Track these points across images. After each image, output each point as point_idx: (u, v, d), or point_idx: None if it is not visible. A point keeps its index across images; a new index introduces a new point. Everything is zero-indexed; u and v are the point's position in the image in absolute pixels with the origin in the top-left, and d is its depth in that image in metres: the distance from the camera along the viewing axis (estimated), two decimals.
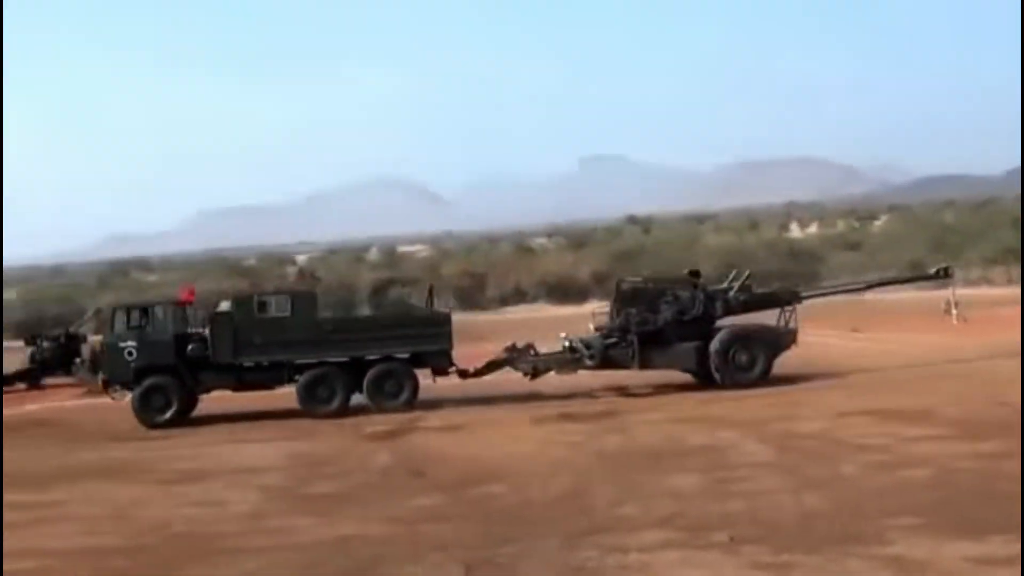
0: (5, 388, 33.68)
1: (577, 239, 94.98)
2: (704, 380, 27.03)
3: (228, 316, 26.86)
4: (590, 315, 28.84)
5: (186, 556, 11.88)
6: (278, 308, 26.96)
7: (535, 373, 27.59)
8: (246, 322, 26.46)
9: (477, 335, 33.48)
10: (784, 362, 26.78)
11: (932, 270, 32.16)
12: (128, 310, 27.86)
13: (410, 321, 28.45)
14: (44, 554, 12.35)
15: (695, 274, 29.18)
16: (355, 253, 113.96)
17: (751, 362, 26.88)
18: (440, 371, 27.28)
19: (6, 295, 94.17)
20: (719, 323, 27.73)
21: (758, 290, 29.59)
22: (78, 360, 35.12)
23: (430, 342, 26.91)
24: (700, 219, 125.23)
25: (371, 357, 26.36)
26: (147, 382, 26.44)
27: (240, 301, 27.65)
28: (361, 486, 16.04)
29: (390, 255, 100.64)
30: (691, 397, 24.65)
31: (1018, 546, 10.45)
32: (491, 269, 69.22)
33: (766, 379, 26.56)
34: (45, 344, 36.87)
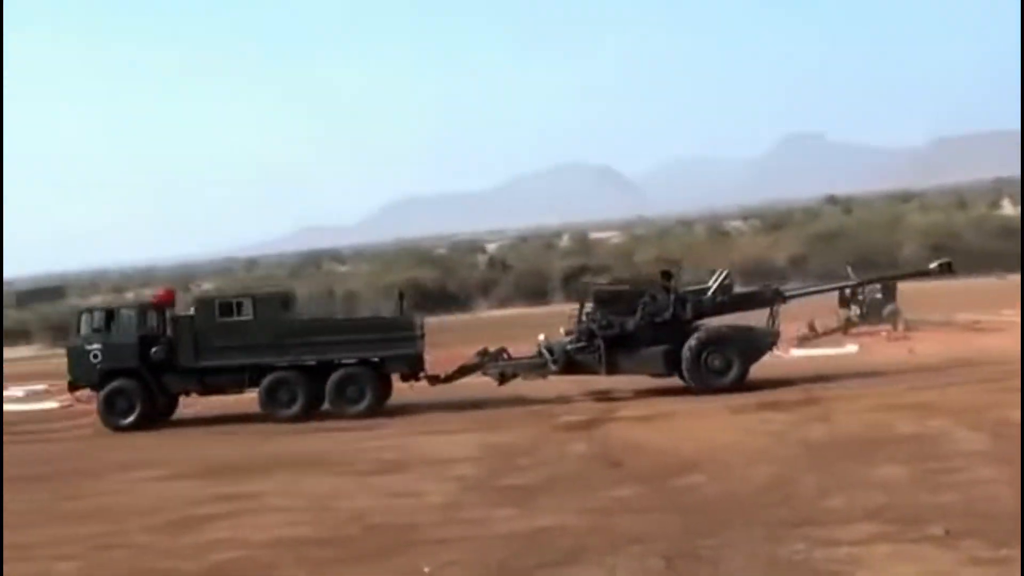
0: None
1: (774, 221, 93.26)
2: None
3: (189, 319, 27.03)
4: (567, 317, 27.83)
5: (385, 547, 12.07)
6: (240, 311, 26.93)
7: (503, 378, 27.33)
8: (207, 325, 26.55)
9: None
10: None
11: (933, 265, 30.22)
12: (94, 313, 28.13)
13: (374, 326, 28.23)
14: (246, 545, 12.68)
15: (667, 275, 28.51)
16: (546, 240, 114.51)
17: (725, 366, 26.07)
18: (408, 376, 27.11)
19: (204, 286, 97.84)
20: (707, 324, 26.85)
21: (740, 290, 29.11)
22: None
23: (394, 347, 26.65)
24: (904, 198, 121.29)
25: (333, 361, 26.25)
26: (110, 385, 26.78)
27: (202, 303, 27.73)
28: (557, 477, 16.02)
29: (582, 242, 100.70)
30: (900, 383, 23.87)
31: None
32: (685, 254, 68.56)
33: (741, 384, 25.68)
34: None
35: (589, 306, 27.38)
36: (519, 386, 26.43)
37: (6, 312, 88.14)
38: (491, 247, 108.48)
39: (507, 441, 20.02)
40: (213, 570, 11.52)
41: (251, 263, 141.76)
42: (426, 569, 10.99)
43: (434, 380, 27.30)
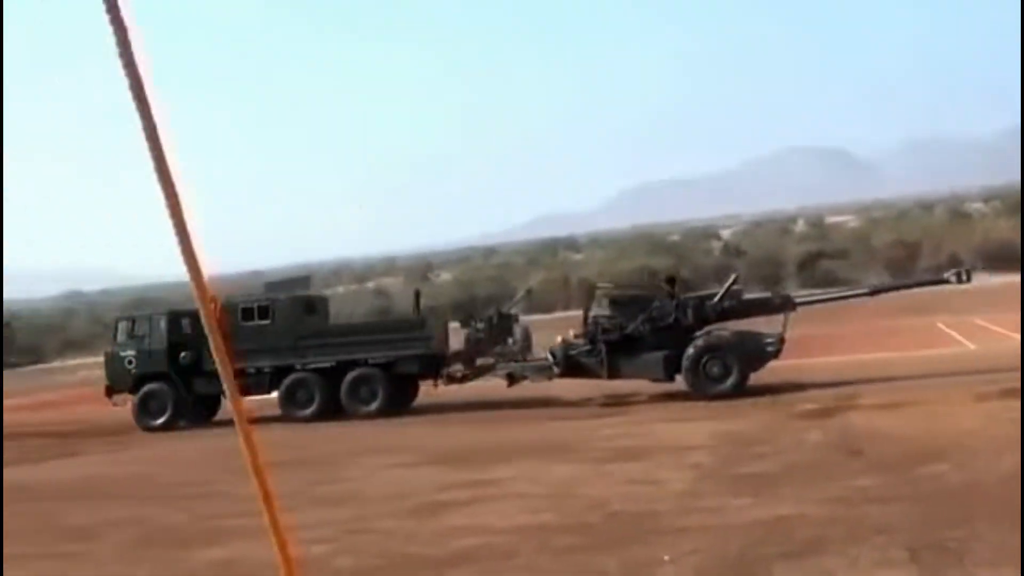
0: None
1: (1018, 203, 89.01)
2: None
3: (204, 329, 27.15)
4: None
5: (625, 535, 12.11)
6: (261, 316, 28.17)
7: (511, 379, 27.90)
8: (230, 330, 26.18)
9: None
10: None
11: (948, 274, 28.63)
12: (130, 320, 29.85)
13: (385, 328, 29.54)
14: (487, 531, 12.92)
15: (671, 281, 28.73)
16: (781, 225, 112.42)
17: (724, 372, 25.86)
18: (425, 376, 28.10)
19: (442, 277, 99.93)
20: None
21: (748, 297, 28.71)
22: (510, 340, 36.73)
23: (405, 347, 27.62)
24: None
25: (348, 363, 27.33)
26: (144, 389, 28.56)
27: (227, 308, 27.68)
28: (795, 465, 15.74)
29: (817, 226, 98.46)
30: None
31: None
32: (924, 238, 66.10)
33: (741, 390, 25.39)
34: (478, 325, 38.81)
35: (596, 310, 27.98)
36: (757, 376, 26.08)
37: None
38: (725, 233, 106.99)
39: (743, 429, 19.80)
40: (456, 556, 11.79)
41: (489, 252, 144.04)
42: (666, 558, 10.99)
43: (451, 380, 28.18)
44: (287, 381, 27.74)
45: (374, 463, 18.84)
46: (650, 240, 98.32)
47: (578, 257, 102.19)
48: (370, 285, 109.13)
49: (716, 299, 27.33)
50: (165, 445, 24.59)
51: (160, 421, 28.54)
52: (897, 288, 33.16)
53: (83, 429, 29.58)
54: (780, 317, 26.53)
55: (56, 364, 70.07)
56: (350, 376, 27.52)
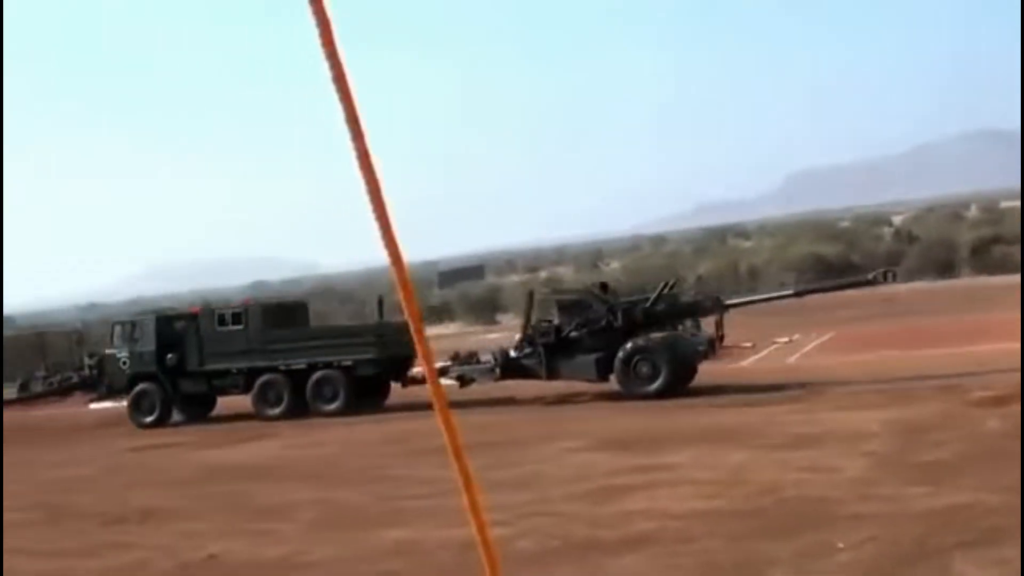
0: None
1: None
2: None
3: (196, 329, 30.10)
4: None
5: (799, 522, 12.00)
6: (235, 321, 29.80)
7: (462, 382, 28.64)
8: (209, 334, 29.74)
9: None
10: None
11: (870, 275, 29.09)
12: (123, 324, 31.49)
13: (344, 333, 31.12)
14: (662, 516, 12.97)
15: (604, 287, 29.91)
16: (953, 210, 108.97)
17: (653, 373, 26.29)
18: (388, 378, 29.53)
19: (612, 266, 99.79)
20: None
21: (681, 300, 29.41)
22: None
23: (360, 352, 29.03)
24: None
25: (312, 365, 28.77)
26: (136, 389, 30.10)
27: (205, 314, 30.66)
28: (971, 454, 15.31)
29: (991, 211, 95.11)
30: None
31: None
32: None
33: (671, 391, 25.71)
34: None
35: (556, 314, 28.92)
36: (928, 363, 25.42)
37: (431, 291, 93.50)
38: (896, 219, 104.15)
39: (918, 416, 19.31)
40: (632, 540, 11.87)
41: (659, 240, 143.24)
42: (840, 545, 10.88)
43: (414, 381, 28.89)
44: (259, 382, 29.21)
45: (550, 448, 19.02)
46: (818, 227, 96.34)
47: (747, 244, 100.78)
48: (542, 274, 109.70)
49: (648, 303, 28.03)
50: (344, 430, 25.23)
51: (150, 419, 30.15)
52: (824, 290, 33.09)
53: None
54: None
55: None
56: (314, 377, 28.97)
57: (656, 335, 27.21)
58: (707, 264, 72.83)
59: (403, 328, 28.56)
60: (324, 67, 3.09)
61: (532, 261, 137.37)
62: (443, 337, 64.83)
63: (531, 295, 31.02)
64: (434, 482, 16.61)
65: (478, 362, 29.35)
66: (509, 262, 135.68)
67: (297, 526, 14.16)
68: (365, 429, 25.07)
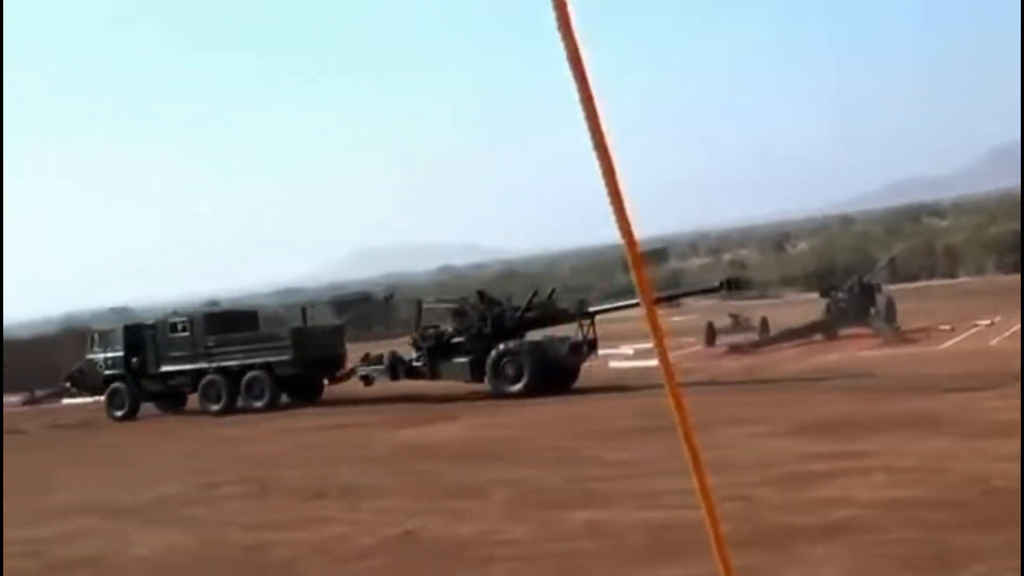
0: (800, 340, 35.49)
1: None
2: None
3: (153, 336, 34.74)
4: None
5: (1005, 514, 11.46)
6: (182, 329, 34.31)
7: (367, 381, 32.42)
8: (163, 340, 34.41)
9: None
10: None
11: (717, 282, 32.39)
12: (100, 333, 36.62)
13: (264, 339, 34.42)
14: (857, 504, 12.59)
15: (481, 296, 32.37)
16: None
17: (518, 374, 29.15)
18: (311, 377, 33.71)
19: (799, 247, 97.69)
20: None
21: (551, 309, 31.57)
22: (872, 310, 35.72)
23: (279, 354, 32.93)
24: None
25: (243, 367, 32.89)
26: (110, 387, 34.82)
27: (160, 323, 35.36)
28: None
29: None
30: None
31: None
32: None
33: (535, 390, 28.34)
34: (839, 295, 37.96)
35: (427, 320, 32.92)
36: None
37: (615, 275, 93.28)
38: None
39: None
40: (827, 528, 11.62)
41: (847, 221, 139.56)
42: None
43: (334, 380, 33.83)
44: (202, 381, 33.42)
45: (739, 432, 18.77)
46: (1019, 204, 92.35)
47: (943, 224, 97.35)
48: (725, 257, 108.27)
49: (518, 312, 30.78)
50: (527, 412, 25.48)
51: (121, 413, 34.65)
52: (677, 297, 36.74)
53: (458, 395, 31.02)
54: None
55: None
56: (246, 377, 32.96)
57: (520, 340, 30.09)
58: (900, 245, 70.65)
59: (322, 332, 35.86)
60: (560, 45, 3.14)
61: (716, 244, 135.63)
62: (627, 320, 64.77)
63: (419, 304, 34.76)
64: (622, 464, 16.67)
65: (380, 363, 32.53)
66: (692, 245, 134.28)
67: (489, 505, 14.35)
68: (547, 411, 25.26)
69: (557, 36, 3.02)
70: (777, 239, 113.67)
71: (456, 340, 30.99)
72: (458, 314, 31.90)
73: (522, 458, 18.34)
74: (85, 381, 37.37)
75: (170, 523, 15.18)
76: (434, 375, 31.37)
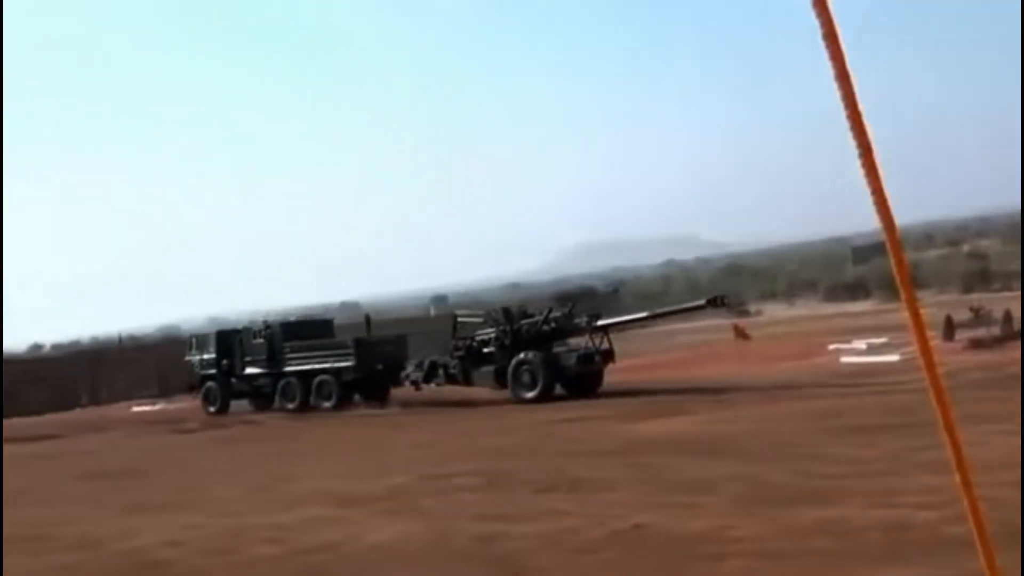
0: None
1: None
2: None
3: (240, 340, 39.13)
4: None
5: None
6: (262, 336, 38.47)
7: (415, 385, 35.61)
8: (248, 345, 38.86)
9: None
10: None
11: (703, 301, 33.66)
12: (197, 338, 41.16)
13: (332, 346, 37.47)
14: None
15: (506, 311, 34.87)
16: None
17: (532, 382, 32.01)
18: (376, 382, 36.59)
19: (981, 243, 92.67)
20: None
21: (569, 323, 33.58)
22: None
23: (343, 360, 36.30)
24: None
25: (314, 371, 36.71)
26: (204, 386, 39.36)
27: (244, 330, 39.95)
28: None
29: None
30: None
31: None
32: None
33: (546, 397, 31.47)
34: None
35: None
36: None
37: (844, 268, 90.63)
38: None
39: None
40: None
41: None
42: None
43: (395, 385, 36.70)
44: (281, 382, 37.32)
45: (980, 430, 17.95)
46: None
47: None
48: (964, 248, 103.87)
49: (536, 325, 33.35)
50: (759, 408, 25.08)
51: (214, 408, 38.58)
52: (670, 314, 37.33)
53: (686, 388, 30.91)
54: None
55: (658, 328, 73.23)
56: (316, 380, 36.62)
57: (535, 352, 32.46)
58: None
59: (384, 341, 38.92)
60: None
61: (953, 234, 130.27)
62: (859, 315, 62.99)
63: (455, 316, 38.94)
64: (857, 462, 16.18)
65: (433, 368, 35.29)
66: (928, 236, 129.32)
67: (720, 500, 14.15)
68: (783, 406, 24.78)
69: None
70: (1018, 229, 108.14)
71: (487, 350, 33.84)
72: (485, 326, 34.97)
73: (754, 453, 18.00)
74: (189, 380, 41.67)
75: (402, 512, 15.59)
76: (467, 381, 34.41)
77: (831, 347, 37.46)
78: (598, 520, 13.48)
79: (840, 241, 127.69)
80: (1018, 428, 17.88)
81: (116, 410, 46.55)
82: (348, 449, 25.59)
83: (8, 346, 62.60)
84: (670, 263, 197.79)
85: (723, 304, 35.22)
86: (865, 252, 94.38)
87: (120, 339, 60.63)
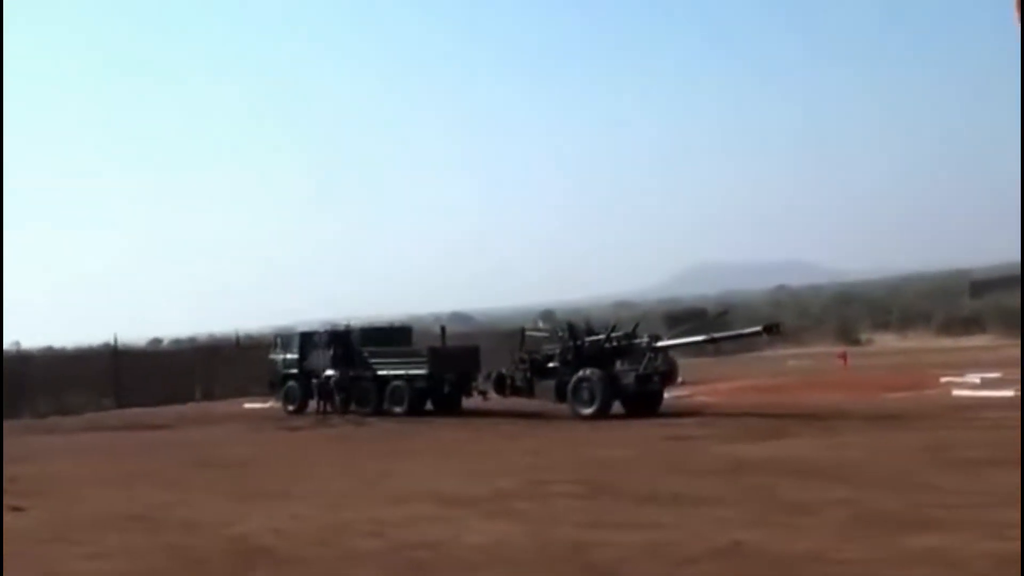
0: None
1: None
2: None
3: (316, 345, 39.88)
4: None
5: None
6: (338, 340, 39.40)
7: (484, 395, 36.69)
8: (306, 353, 40.03)
9: None
10: None
11: (759, 327, 33.56)
12: (282, 338, 42.35)
13: (407, 353, 38.04)
14: None
15: (571, 326, 35.43)
16: None
17: (590, 399, 32.37)
18: (453, 391, 37.70)
19: None
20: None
21: (626, 343, 33.69)
22: None
23: (416, 368, 37.00)
24: None
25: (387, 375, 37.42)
26: (286, 385, 40.60)
27: (317, 334, 40.94)
28: None
29: None
30: None
31: None
32: None
33: (603, 414, 31.88)
34: None
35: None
36: None
37: (961, 300, 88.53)
38: None
39: None
40: None
41: None
42: None
43: (468, 394, 37.97)
44: (356, 387, 38.00)
45: None
46: None
47: None
48: None
49: (597, 343, 33.73)
50: (871, 435, 24.59)
51: (294, 407, 39.74)
52: (727, 338, 37.55)
53: (793, 413, 30.46)
54: None
55: (767, 353, 72.54)
56: (389, 386, 37.18)
57: (595, 369, 32.68)
58: None
59: (458, 351, 39.93)
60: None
61: None
62: (973, 349, 61.42)
63: (523, 330, 39.15)
64: (967, 493, 15.74)
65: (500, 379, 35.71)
66: None
67: (824, 523, 13.86)
68: (892, 436, 24.27)
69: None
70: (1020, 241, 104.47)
71: (551, 364, 34.31)
72: (551, 341, 35.51)
73: (861, 479, 17.62)
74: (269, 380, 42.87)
75: (503, 515, 15.58)
76: (530, 393, 34.86)
77: (943, 379, 36.59)
78: (698, 534, 13.33)
79: (959, 274, 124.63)
80: None
81: (228, 406, 47.49)
82: (454, 452, 25.70)
83: (127, 339, 63.99)
84: (781, 288, 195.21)
85: (778, 331, 35.55)
86: (983, 286, 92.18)
87: (237, 337, 61.69)
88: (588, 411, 32.11)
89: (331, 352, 39.26)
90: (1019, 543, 11.70)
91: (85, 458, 27.53)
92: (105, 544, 14.52)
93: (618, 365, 33.33)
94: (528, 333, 38.60)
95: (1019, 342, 49.12)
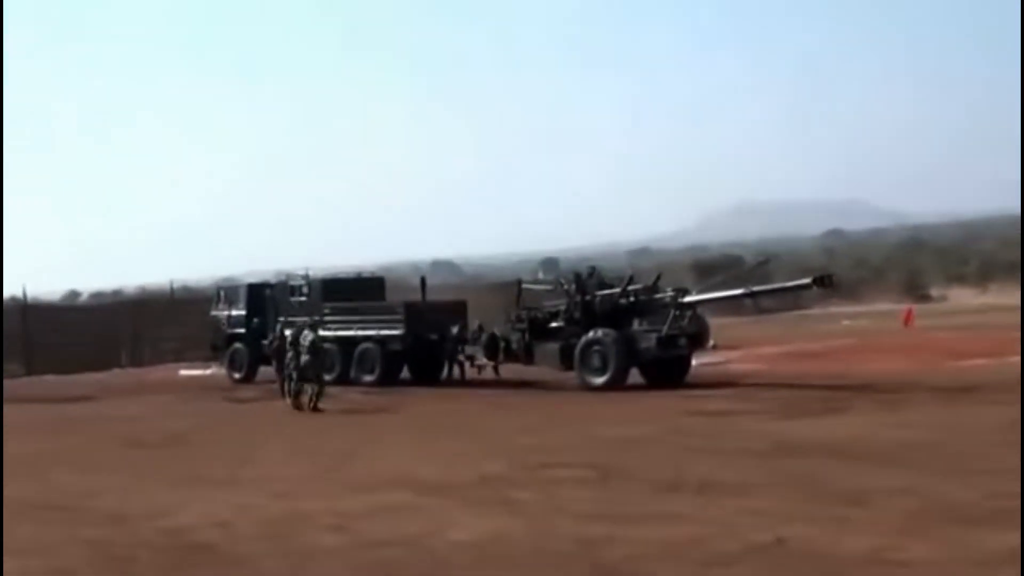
0: None
1: None
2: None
3: (274, 297, 39.93)
4: None
5: None
6: (301, 293, 39.02)
7: (472, 361, 36.00)
8: (282, 302, 39.44)
9: None
10: None
11: (808, 279, 33.33)
12: (225, 290, 43.47)
13: (378, 310, 38.00)
14: None
15: (578, 277, 34.30)
16: None
17: (602, 365, 31.83)
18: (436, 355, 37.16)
19: None
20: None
21: (653, 296, 33.37)
22: None
23: (389, 328, 36.66)
24: None
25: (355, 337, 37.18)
26: (231, 347, 40.92)
27: (279, 285, 40.61)
28: None
29: None
30: None
31: None
32: None
33: (617, 384, 31.40)
34: None
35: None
36: None
37: None
38: None
39: None
40: None
41: None
42: None
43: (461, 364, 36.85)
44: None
45: None
46: None
47: None
48: None
49: (614, 299, 33.11)
50: (937, 410, 24.67)
51: (240, 375, 40.25)
52: (773, 292, 37.91)
53: (846, 384, 30.52)
54: None
55: (816, 311, 72.47)
56: (358, 349, 37.09)
57: (608, 330, 32.07)
58: None
59: (441, 308, 38.43)
60: None
61: None
62: None
63: (519, 283, 38.56)
64: None
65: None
66: None
67: (884, 516, 13.88)
68: (966, 412, 24.33)
69: None
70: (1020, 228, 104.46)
71: (554, 324, 33.91)
72: (554, 296, 35.26)
73: (927, 464, 17.65)
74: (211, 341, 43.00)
75: (494, 506, 15.60)
76: (528, 359, 34.39)
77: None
78: (730, 529, 13.34)
79: None
80: None
81: (161, 372, 47.55)
82: (435, 428, 25.75)
83: (37, 293, 62.93)
84: (834, 233, 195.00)
85: (831, 284, 34.85)
86: None
87: (171, 289, 61.46)
88: (599, 380, 31.84)
89: (286, 309, 38.87)
90: None
91: None
92: (14, 538, 14.52)
93: (636, 325, 32.71)
94: (526, 286, 38.63)
95: None
